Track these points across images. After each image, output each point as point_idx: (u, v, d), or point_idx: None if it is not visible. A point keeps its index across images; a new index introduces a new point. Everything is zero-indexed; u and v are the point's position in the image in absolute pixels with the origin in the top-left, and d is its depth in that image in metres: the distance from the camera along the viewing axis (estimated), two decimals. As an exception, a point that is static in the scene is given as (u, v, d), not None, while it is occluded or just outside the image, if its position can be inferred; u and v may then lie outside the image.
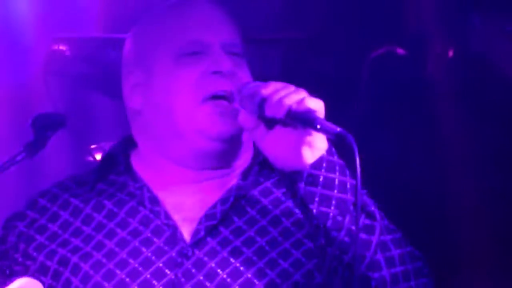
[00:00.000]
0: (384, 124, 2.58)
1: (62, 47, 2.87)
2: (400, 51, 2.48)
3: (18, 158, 1.78)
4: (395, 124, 2.59)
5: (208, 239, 1.65)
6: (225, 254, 1.63)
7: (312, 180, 1.51)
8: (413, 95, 2.45)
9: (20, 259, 1.78)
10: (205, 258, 1.65)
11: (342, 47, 2.50)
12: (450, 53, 2.46)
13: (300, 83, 1.49)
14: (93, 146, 3.07)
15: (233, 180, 1.69)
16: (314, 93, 1.46)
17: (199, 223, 1.63)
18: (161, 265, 1.68)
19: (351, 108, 2.39)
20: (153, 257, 1.67)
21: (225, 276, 1.65)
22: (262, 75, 1.64)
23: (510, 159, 2.64)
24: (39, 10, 3.01)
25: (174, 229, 1.66)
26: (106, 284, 1.72)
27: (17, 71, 2.93)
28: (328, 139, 1.48)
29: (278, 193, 1.68)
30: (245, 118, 1.52)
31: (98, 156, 3.10)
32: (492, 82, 2.70)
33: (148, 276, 1.70)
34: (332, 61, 2.36)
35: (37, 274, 1.76)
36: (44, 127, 1.85)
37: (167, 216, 1.68)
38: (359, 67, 2.48)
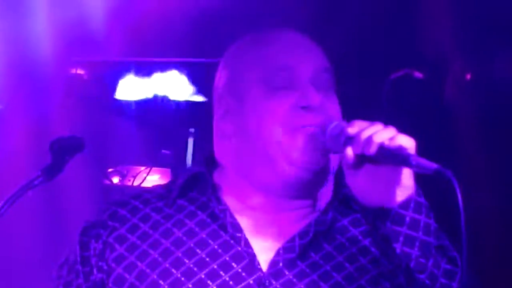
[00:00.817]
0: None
1: (80, 71, 2.92)
2: (418, 74, 2.51)
3: (36, 182, 1.77)
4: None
5: (285, 271, 1.61)
6: (302, 286, 1.61)
7: (398, 219, 1.49)
8: (431, 117, 2.46)
9: (105, 267, 1.73)
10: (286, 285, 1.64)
11: (363, 70, 2.52)
12: (468, 77, 2.48)
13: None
14: (110, 170, 3.07)
15: (313, 214, 1.67)
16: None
17: (277, 254, 1.61)
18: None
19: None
20: (231, 282, 1.63)
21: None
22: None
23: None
24: (58, 34, 3.08)
25: (253, 257, 1.62)
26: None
27: (36, 94, 2.99)
28: (415, 179, 1.47)
29: (355, 231, 1.67)
30: (348, 154, 1.48)
31: (116, 179, 3.11)
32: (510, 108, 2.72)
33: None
34: (353, 83, 2.38)
35: (112, 285, 1.71)
36: (62, 150, 1.88)
37: (247, 244, 1.65)
38: (379, 90, 2.50)
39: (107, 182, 2.99)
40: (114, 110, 3.28)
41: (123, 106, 3.49)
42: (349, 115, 1.56)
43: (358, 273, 1.58)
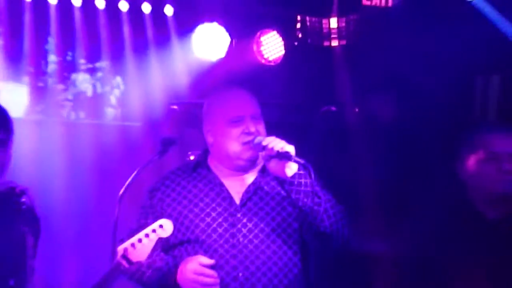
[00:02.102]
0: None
1: (175, 108, 5.46)
2: (334, 108, 5.14)
3: (154, 159, 3.28)
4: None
5: (248, 203, 3.23)
6: (256, 210, 3.22)
7: (290, 183, 3.04)
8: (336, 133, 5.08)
9: (159, 215, 3.22)
10: (247, 212, 3.22)
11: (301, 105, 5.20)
12: (357, 110, 5.16)
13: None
14: (189, 153, 5.46)
15: (253, 176, 3.29)
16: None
17: (242, 195, 3.23)
18: (226, 215, 3.22)
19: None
20: (223, 211, 3.23)
21: (256, 220, 3.21)
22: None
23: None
24: (167, 82, 5.50)
25: (231, 198, 3.23)
26: (198, 222, 3.23)
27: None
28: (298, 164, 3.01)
29: (273, 182, 3.26)
30: (264, 157, 3.06)
31: (192, 157, 5.47)
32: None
33: (220, 220, 3.22)
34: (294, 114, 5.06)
35: (166, 218, 3.22)
36: (166, 143, 3.35)
37: (227, 192, 3.24)
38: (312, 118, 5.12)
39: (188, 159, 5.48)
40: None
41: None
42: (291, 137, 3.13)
43: (286, 207, 3.23)
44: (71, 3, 5.22)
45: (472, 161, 3.46)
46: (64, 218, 5.29)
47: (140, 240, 3.33)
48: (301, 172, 3.02)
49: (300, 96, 5.32)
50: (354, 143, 5.14)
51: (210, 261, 3.14)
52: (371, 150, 5.05)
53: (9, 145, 3.43)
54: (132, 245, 3.31)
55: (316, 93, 5.32)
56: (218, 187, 3.28)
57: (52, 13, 5.24)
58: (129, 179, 3.56)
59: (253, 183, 3.29)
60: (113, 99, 5.90)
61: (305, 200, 3.04)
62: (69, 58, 5.63)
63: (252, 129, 3.18)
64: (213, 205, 3.28)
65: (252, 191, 3.27)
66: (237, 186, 3.34)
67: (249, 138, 3.16)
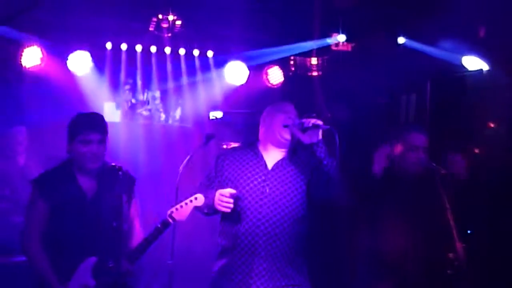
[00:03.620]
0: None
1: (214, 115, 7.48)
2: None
3: (201, 146, 4.49)
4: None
5: (276, 169, 4.22)
6: (281, 174, 4.19)
7: (317, 144, 3.96)
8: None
9: (220, 171, 4.26)
10: (274, 175, 4.20)
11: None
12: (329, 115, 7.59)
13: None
14: (223, 143, 6.98)
15: (283, 154, 4.25)
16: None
17: (273, 164, 4.21)
18: (260, 174, 4.19)
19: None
20: (258, 171, 4.20)
21: (280, 180, 4.19)
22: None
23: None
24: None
25: (265, 165, 4.22)
26: (242, 176, 4.20)
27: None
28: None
29: (295, 159, 4.21)
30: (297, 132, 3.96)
31: (224, 146, 7.01)
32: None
33: (256, 176, 4.18)
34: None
35: (225, 183, 4.20)
36: (208, 137, 4.46)
37: (264, 160, 4.24)
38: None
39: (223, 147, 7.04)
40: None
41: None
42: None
43: (307, 167, 4.22)
44: (150, 51, 7.24)
45: (399, 148, 4.71)
46: (145, 186, 5.82)
47: (181, 206, 4.14)
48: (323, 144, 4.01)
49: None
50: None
51: (233, 191, 4.08)
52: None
53: (106, 142, 4.23)
54: (176, 209, 4.14)
55: (303, 105, 6.91)
56: (259, 158, 4.31)
57: (138, 57, 7.24)
58: (186, 160, 4.83)
59: (282, 158, 4.30)
60: (177, 114, 7.62)
61: (326, 157, 4.04)
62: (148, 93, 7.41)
63: (292, 116, 4.23)
64: (253, 168, 4.28)
65: (280, 162, 4.28)
66: (272, 159, 4.32)
67: (289, 121, 4.15)
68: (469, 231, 5.06)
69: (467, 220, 4.84)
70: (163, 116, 7.53)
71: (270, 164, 4.27)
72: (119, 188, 3.93)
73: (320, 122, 3.98)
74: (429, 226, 4.46)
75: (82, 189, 4.15)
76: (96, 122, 4.17)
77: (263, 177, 4.20)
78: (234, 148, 4.53)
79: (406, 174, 4.58)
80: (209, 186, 4.26)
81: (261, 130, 4.34)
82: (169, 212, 4.07)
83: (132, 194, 4.27)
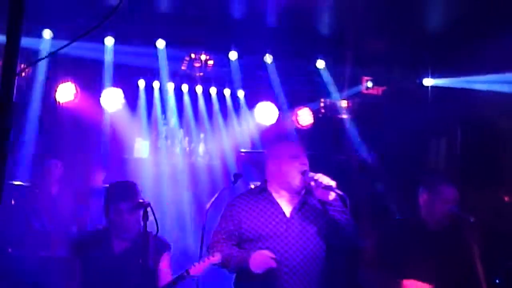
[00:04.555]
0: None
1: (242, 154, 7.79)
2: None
3: (229, 186, 4.86)
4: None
5: (295, 215, 4.16)
6: (301, 220, 4.15)
7: (329, 204, 3.99)
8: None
9: (237, 221, 4.15)
10: (295, 222, 4.15)
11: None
12: None
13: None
14: (251, 183, 7.58)
15: (298, 197, 4.19)
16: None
17: (291, 210, 4.14)
18: (281, 223, 4.16)
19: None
20: (280, 222, 4.14)
21: (301, 227, 4.15)
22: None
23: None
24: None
25: (283, 213, 4.16)
26: (263, 227, 4.12)
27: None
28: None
29: (314, 201, 4.18)
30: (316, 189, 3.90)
31: (252, 186, 7.66)
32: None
33: (278, 226, 4.13)
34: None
35: (241, 231, 4.14)
36: (236, 176, 4.69)
37: (281, 208, 4.17)
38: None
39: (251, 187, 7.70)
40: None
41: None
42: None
43: (321, 218, 4.18)
44: (181, 90, 7.45)
45: (425, 196, 4.63)
46: (171, 224, 6.58)
47: (199, 262, 4.23)
48: (337, 198, 4.03)
49: (321, 147, 7.28)
50: (356, 175, 7.16)
51: (273, 255, 4.04)
52: (365, 180, 7.09)
53: (138, 209, 4.25)
54: (194, 265, 4.21)
55: (332, 145, 7.39)
56: (276, 205, 4.29)
57: (166, 95, 7.45)
58: (213, 199, 4.99)
59: (299, 202, 4.28)
60: (200, 150, 7.77)
61: (338, 215, 4.07)
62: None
63: (305, 162, 4.22)
64: (272, 217, 4.26)
65: (298, 208, 4.28)
66: (287, 204, 4.31)
67: (305, 167, 4.15)
68: (497, 281, 5.04)
69: (496, 268, 4.87)
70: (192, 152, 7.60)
71: (287, 211, 4.28)
72: (146, 252, 4.07)
73: (333, 184, 4.00)
74: (457, 275, 4.41)
75: (113, 247, 4.40)
76: (127, 191, 4.37)
77: (285, 226, 4.21)
78: (243, 195, 4.39)
79: (435, 223, 4.56)
80: (228, 240, 4.23)
81: (271, 173, 4.31)
82: (188, 267, 4.21)
83: (161, 258, 4.43)
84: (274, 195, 4.30)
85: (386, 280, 4.49)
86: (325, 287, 4.24)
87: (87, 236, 4.61)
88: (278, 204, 4.27)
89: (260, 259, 4.03)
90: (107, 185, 4.64)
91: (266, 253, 4.05)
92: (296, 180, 4.20)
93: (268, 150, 4.50)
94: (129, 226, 4.32)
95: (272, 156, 4.34)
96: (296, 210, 4.27)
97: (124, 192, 4.38)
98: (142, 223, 4.08)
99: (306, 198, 4.30)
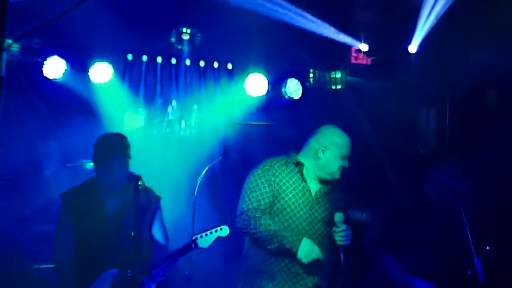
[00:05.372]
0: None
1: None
2: None
3: (219, 158, 5.92)
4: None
5: (319, 198, 4.52)
6: (323, 204, 4.49)
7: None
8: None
9: (272, 185, 4.40)
10: (319, 203, 4.50)
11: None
12: None
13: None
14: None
15: (324, 184, 4.54)
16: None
17: (316, 192, 4.51)
18: (307, 201, 4.47)
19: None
20: (305, 199, 4.47)
21: (323, 208, 4.50)
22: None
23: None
24: None
25: (309, 191, 4.48)
26: (292, 201, 4.44)
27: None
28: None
29: (335, 191, 4.57)
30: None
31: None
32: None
33: (304, 203, 4.45)
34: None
35: (276, 196, 4.44)
36: (226, 149, 5.88)
37: (308, 188, 4.48)
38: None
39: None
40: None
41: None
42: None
43: (336, 207, 4.52)
44: (170, 63, 7.31)
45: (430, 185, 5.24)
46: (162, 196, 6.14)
47: (206, 234, 4.37)
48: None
49: (309, 119, 7.13)
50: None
51: (320, 252, 4.32)
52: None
53: (127, 164, 4.47)
54: (201, 236, 4.35)
55: (320, 117, 6.94)
56: (305, 182, 4.55)
57: (158, 70, 7.31)
58: (203, 172, 5.48)
59: (322, 187, 4.59)
60: (192, 122, 7.59)
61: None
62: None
63: (347, 166, 4.55)
64: (300, 193, 4.51)
65: (322, 191, 4.57)
66: (314, 186, 4.58)
67: (343, 168, 4.51)
68: (487, 248, 5.08)
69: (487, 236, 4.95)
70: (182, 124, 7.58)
71: (313, 190, 4.52)
72: (138, 199, 4.02)
73: (344, 244, 4.33)
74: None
75: (104, 202, 4.43)
76: (119, 146, 4.40)
77: (310, 205, 4.45)
78: (277, 161, 4.52)
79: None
80: (269, 206, 4.38)
81: (313, 155, 4.49)
82: (193, 238, 4.27)
83: (155, 210, 4.54)
84: (306, 173, 4.49)
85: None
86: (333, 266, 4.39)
87: (75, 190, 4.57)
88: (306, 182, 4.47)
89: (310, 249, 4.23)
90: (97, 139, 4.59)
91: (316, 248, 4.25)
92: (335, 174, 4.46)
93: (319, 134, 4.57)
94: (119, 180, 4.32)
95: (323, 145, 4.49)
96: (321, 193, 4.49)
97: (114, 147, 4.38)
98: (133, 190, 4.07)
99: (330, 188, 4.54)
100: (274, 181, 4.40)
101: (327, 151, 4.45)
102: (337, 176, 4.44)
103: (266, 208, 4.36)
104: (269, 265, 4.38)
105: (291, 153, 4.59)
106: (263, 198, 4.37)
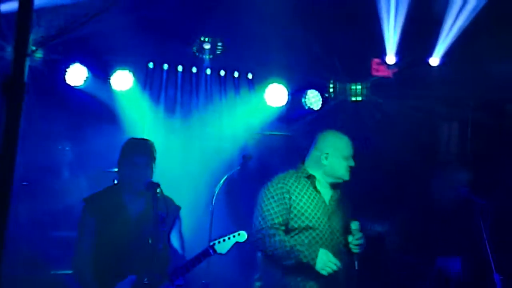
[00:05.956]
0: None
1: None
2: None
3: (238, 168, 5.89)
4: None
5: (333, 205, 4.58)
6: (336, 211, 4.55)
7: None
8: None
9: (287, 203, 4.42)
10: (334, 211, 4.55)
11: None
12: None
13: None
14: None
15: (337, 190, 4.62)
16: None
17: (329, 201, 4.58)
18: (323, 212, 4.51)
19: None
20: (323, 212, 4.50)
21: (337, 215, 4.56)
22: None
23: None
24: None
25: (324, 201, 4.53)
26: (313, 215, 4.47)
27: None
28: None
29: (346, 199, 4.64)
30: None
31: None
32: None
33: (322, 215, 4.48)
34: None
35: (292, 209, 4.47)
36: (246, 158, 5.83)
37: (323, 198, 4.53)
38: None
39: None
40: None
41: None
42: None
43: (349, 213, 4.65)
44: (191, 72, 7.34)
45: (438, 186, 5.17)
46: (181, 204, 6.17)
47: (224, 240, 4.43)
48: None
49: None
50: (367, 159, 6.72)
51: (338, 264, 4.32)
52: (375, 165, 6.97)
53: (152, 166, 4.57)
54: (219, 242, 4.42)
55: (340, 129, 7.26)
56: (319, 193, 4.58)
57: (178, 78, 7.31)
58: (222, 181, 5.49)
59: (334, 193, 4.63)
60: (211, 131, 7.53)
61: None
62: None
63: (353, 164, 4.59)
64: (317, 206, 4.53)
65: (335, 197, 4.62)
66: (327, 193, 4.63)
67: (352, 166, 4.55)
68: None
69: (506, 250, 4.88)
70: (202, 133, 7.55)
71: (326, 199, 4.57)
72: (156, 206, 4.10)
73: (359, 252, 4.40)
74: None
75: (126, 208, 4.45)
76: (145, 147, 4.49)
77: (327, 217, 4.49)
78: (289, 177, 4.55)
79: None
80: (283, 223, 4.39)
81: (318, 163, 4.52)
82: (211, 243, 4.34)
83: (174, 220, 4.56)
84: (318, 183, 4.53)
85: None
86: (351, 274, 4.43)
87: (98, 195, 4.62)
88: (320, 192, 4.50)
89: (327, 260, 4.22)
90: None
91: (332, 258, 4.24)
92: (344, 176, 4.50)
93: (318, 143, 4.61)
94: (140, 179, 4.33)
95: (324, 152, 4.53)
96: (334, 200, 4.54)
97: (140, 147, 4.45)
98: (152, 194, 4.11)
99: (339, 192, 4.59)
100: (290, 198, 4.43)
101: (329, 157, 4.50)
102: (346, 177, 4.49)
103: (281, 225, 4.38)
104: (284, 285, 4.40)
105: (299, 165, 4.62)
106: (277, 217, 4.38)
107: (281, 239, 4.30)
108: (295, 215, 4.39)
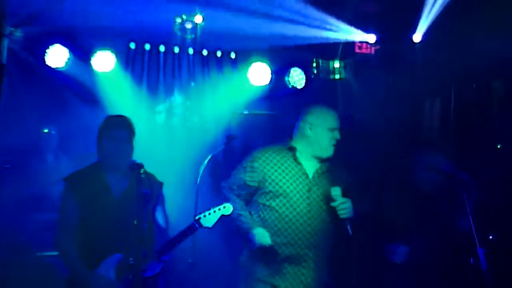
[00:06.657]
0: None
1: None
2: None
3: (222, 147, 6.20)
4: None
5: (317, 180, 4.56)
6: (320, 183, 4.54)
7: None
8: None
9: (259, 174, 4.49)
10: (315, 183, 4.53)
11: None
12: None
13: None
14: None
15: (320, 163, 4.58)
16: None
17: (313, 173, 4.55)
18: (304, 183, 4.53)
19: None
20: (302, 181, 4.52)
21: (320, 188, 4.54)
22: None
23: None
24: None
25: (307, 174, 4.53)
26: (288, 184, 4.52)
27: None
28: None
29: (331, 171, 4.59)
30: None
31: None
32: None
33: (300, 186, 4.49)
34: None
35: (264, 182, 4.54)
36: (229, 138, 6.10)
37: (304, 170, 4.53)
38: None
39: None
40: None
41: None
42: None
43: (331, 181, 4.62)
44: (173, 52, 7.25)
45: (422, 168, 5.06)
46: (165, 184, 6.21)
47: (209, 213, 4.35)
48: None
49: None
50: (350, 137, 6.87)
51: (271, 244, 4.38)
52: (359, 143, 6.81)
53: (132, 142, 4.48)
54: (204, 215, 4.33)
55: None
56: (299, 165, 4.59)
57: (161, 59, 7.24)
58: (206, 160, 5.58)
59: (320, 167, 4.63)
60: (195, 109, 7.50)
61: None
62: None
63: (338, 137, 4.61)
64: (296, 176, 4.55)
65: (320, 172, 4.61)
66: (310, 167, 4.62)
67: (337, 139, 4.57)
68: (490, 237, 5.09)
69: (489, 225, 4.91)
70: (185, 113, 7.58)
71: (310, 172, 4.56)
72: (141, 188, 3.97)
73: (348, 216, 4.36)
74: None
75: (109, 188, 4.38)
76: (124, 122, 4.42)
77: (307, 187, 4.49)
78: (269, 149, 4.61)
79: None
80: (240, 189, 4.50)
81: (303, 136, 4.54)
82: (196, 217, 4.25)
83: (158, 196, 4.49)
84: (300, 155, 4.54)
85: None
86: (331, 248, 4.52)
87: (79, 174, 4.54)
88: (302, 165, 4.51)
89: (261, 236, 4.30)
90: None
91: (267, 236, 4.30)
92: (328, 150, 4.50)
93: (304, 115, 4.63)
94: (121, 154, 4.29)
95: (309, 122, 4.56)
96: (319, 173, 4.54)
97: (121, 122, 4.40)
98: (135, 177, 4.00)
99: (328, 166, 4.56)
100: (262, 170, 4.49)
101: (313, 127, 4.51)
102: (330, 151, 4.50)
103: (240, 194, 4.53)
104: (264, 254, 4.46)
105: (287, 140, 4.67)
106: (238, 185, 4.52)
107: (234, 205, 4.44)
108: (270, 182, 4.47)
